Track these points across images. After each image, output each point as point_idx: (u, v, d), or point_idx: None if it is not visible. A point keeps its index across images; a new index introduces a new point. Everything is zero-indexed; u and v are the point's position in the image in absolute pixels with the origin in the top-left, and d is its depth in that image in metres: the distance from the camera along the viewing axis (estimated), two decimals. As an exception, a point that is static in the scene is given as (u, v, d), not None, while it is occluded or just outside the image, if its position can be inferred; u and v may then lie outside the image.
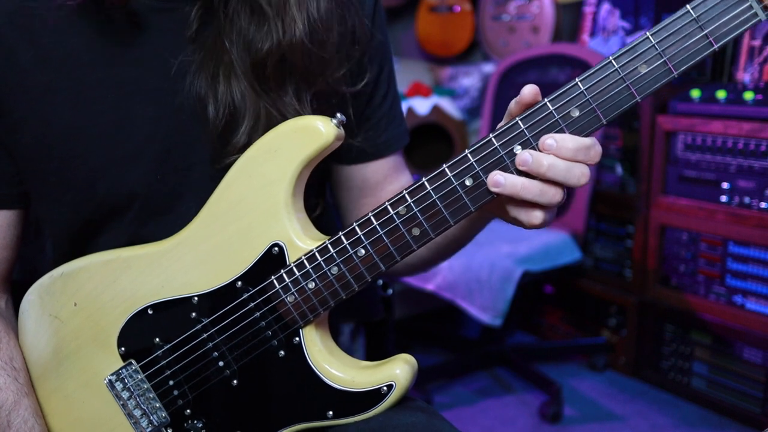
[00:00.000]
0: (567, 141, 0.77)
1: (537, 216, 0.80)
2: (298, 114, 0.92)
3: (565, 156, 0.77)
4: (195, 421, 0.95)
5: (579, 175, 0.77)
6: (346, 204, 1.14)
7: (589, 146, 0.77)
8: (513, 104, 0.80)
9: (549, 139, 0.77)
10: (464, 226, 0.97)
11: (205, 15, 0.92)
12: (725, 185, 2.35)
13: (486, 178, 0.81)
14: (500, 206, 0.86)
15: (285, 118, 0.91)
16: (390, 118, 1.09)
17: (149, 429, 0.95)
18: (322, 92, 0.96)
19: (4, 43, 0.91)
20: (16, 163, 0.97)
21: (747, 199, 2.29)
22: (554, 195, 0.78)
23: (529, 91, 0.78)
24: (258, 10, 0.90)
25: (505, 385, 2.72)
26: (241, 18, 0.90)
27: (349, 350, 2.02)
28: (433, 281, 2.50)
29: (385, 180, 1.10)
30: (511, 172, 0.80)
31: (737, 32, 0.72)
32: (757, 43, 2.34)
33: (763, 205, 2.26)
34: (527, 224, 0.82)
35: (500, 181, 0.79)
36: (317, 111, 0.94)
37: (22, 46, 0.91)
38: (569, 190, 0.82)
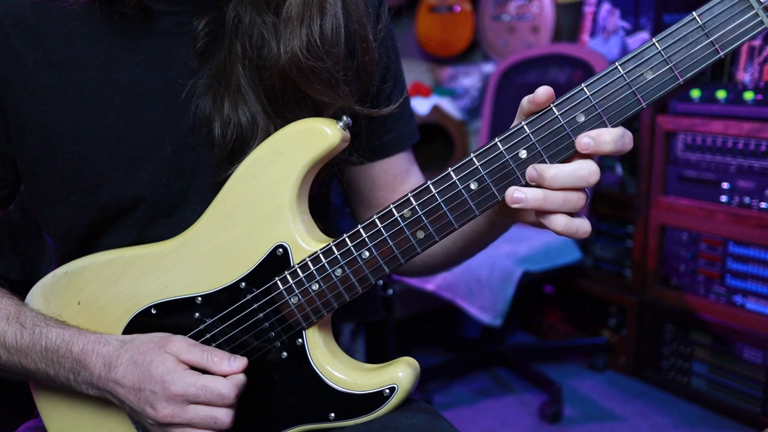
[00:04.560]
0: (604, 135, 0.76)
1: (559, 222, 0.79)
2: None
3: (607, 151, 0.76)
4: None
5: (586, 174, 0.77)
6: (357, 206, 1.13)
7: (623, 135, 0.77)
8: (525, 102, 0.79)
9: (585, 138, 0.76)
10: (484, 230, 0.96)
11: (213, 22, 0.91)
12: (725, 185, 2.35)
13: (491, 182, 0.81)
14: (517, 211, 0.86)
15: None
16: (396, 117, 1.07)
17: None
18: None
19: (11, 46, 0.91)
20: (6, 167, 0.97)
21: (747, 199, 2.30)
22: (578, 200, 0.78)
23: (543, 92, 0.77)
24: (268, 27, 0.89)
25: (505, 385, 2.72)
26: (253, 36, 0.89)
27: (350, 350, 2.02)
28: (433, 281, 2.50)
29: (395, 180, 1.09)
30: (516, 178, 0.80)
31: (743, 39, 0.72)
32: (757, 43, 2.34)
33: (763, 205, 2.26)
34: (551, 229, 0.80)
35: (521, 197, 0.78)
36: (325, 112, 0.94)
37: (29, 49, 0.91)
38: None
